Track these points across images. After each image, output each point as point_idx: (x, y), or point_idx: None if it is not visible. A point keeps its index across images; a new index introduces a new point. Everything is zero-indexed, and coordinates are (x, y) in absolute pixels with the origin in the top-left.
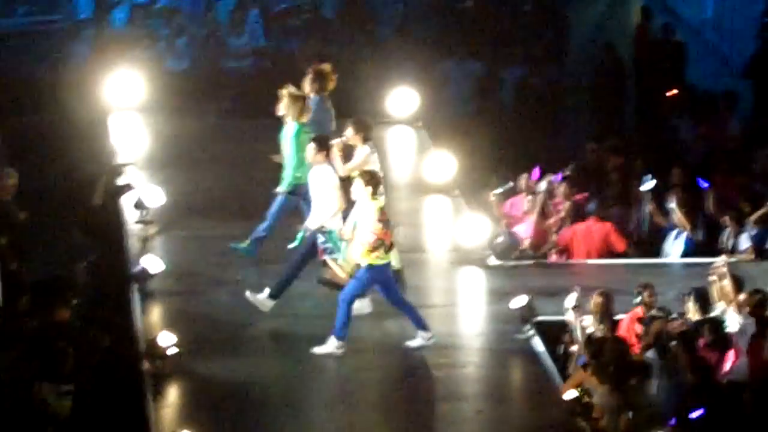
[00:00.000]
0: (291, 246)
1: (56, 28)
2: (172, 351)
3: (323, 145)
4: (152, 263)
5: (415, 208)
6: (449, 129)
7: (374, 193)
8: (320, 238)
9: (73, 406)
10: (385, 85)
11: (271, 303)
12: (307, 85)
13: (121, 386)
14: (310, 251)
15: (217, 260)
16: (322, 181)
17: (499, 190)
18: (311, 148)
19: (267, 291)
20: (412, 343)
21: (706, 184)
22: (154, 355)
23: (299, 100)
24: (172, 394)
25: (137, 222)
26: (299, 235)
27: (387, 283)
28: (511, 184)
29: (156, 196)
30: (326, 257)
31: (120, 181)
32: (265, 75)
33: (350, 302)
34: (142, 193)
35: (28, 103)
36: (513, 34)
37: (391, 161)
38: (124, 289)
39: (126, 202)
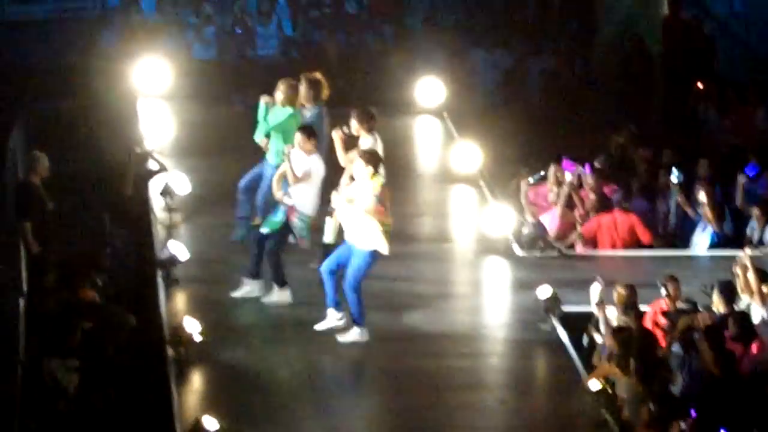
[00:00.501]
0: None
1: (85, 15)
2: (196, 338)
3: (312, 134)
4: (177, 250)
5: (440, 198)
6: (475, 119)
7: (375, 173)
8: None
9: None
10: (412, 75)
11: (287, 291)
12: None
13: (145, 372)
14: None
15: (242, 248)
16: (313, 171)
17: (532, 180)
18: (299, 136)
19: (274, 286)
20: (319, 326)
21: (753, 172)
22: (178, 342)
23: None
24: (196, 380)
25: (163, 209)
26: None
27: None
28: (542, 173)
29: (182, 184)
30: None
31: (149, 166)
32: (293, 64)
33: (357, 288)
34: (168, 181)
35: (58, 89)
36: (541, 25)
37: (417, 151)
38: (149, 275)
39: (153, 188)
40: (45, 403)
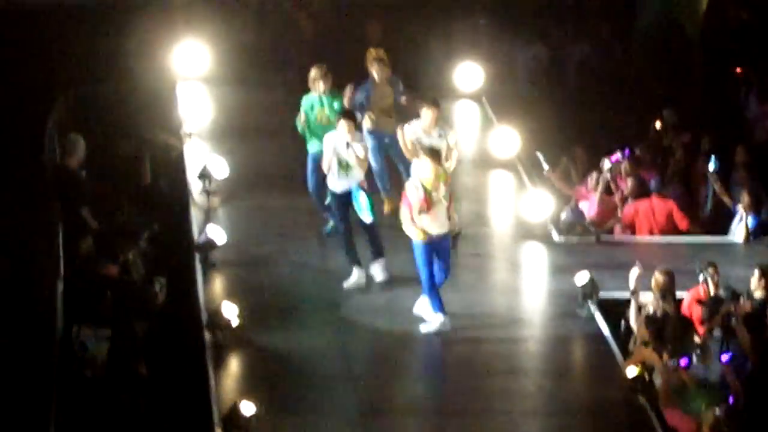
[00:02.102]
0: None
1: None
2: (234, 322)
3: (355, 118)
4: (216, 234)
5: (479, 182)
6: (514, 104)
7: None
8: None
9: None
10: (451, 59)
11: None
12: (377, 71)
13: (183, 356)
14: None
15: (280, 232)
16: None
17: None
18: (347, 123)
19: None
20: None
21: None
22: (216, 326)
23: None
24: (233, 365)
25: (201, 192)
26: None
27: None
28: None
29: (220, 167)
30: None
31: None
32: (333, 48)
33: (431, 278)
34: (207, 164)
35: (95, 74)
36: (579, 10)
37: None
38: (187, 258)
39: (191, 172)
40: (75, 370)
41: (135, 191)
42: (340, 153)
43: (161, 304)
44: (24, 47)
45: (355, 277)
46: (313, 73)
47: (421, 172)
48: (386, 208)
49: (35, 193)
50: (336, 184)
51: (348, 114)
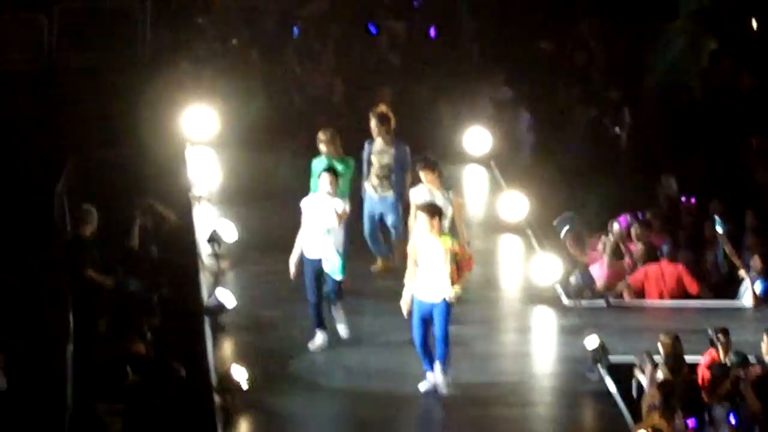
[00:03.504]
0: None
1: (133, 63)
2: (243, 385)
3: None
4: (225, 297)
5: (488, 246)
6: (522, 168)
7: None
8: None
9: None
10: (460, 124)
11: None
12: (375, 130)
13: (193, 420)
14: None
15: (289, 296)
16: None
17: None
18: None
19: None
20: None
21: None
22: (226, 390)
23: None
24: (243, 428)
25: (210, 256)
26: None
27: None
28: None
29: (229, 231)
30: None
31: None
32: (341, 114)
33: (447, 337)
34: (216, 228)
35: (105, 137)
36: (588, 74)
37: (465, 200)
38: (197, 322)
39: (201, 236)
40: None
41: (124, 254)
42: (319, 212)
43: (182, 377)
44: (34, 110)
45: (320, 339)
46: (321, 136)
47: (416, 229)
48: (378, 266)
49: (44, 258)
50: (311, 250)
51: (330, 169)
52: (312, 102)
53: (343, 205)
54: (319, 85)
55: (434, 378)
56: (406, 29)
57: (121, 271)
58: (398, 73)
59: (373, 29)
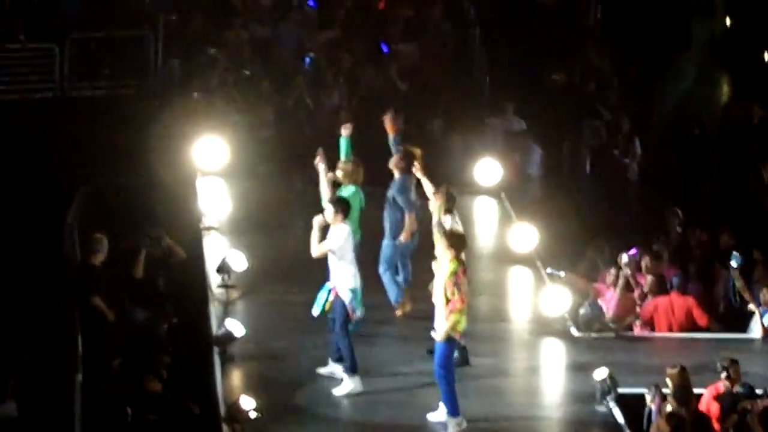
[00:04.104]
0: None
1: (144, 92)
2: (252, 415)
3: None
4: (234, 327)
5: (498, 277)
6: (532, 200)
7: (455, 258)
8: (348, 297)
9: None
10: (470, 155)
11: (356, 380)
12: (394, 165)
13: None
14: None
15: (298, 326)
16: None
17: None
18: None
19: (342, 372)
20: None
21: None
22: (234, 419)
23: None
24: None
25: (219, 286)
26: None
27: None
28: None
29: (239, 261)
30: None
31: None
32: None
33: (448, 377)
34: (226, 257)
35: (116, 166)
36: (598, 108)
37: (475, 231)
38: (206, 352)
39: (210, 265)
40: None
41: (130, 284)
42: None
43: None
44: (46, 139)
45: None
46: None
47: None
48: (399, 312)
49: (54, 286)
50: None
51: (334, 200)
52: (322, 132)
53: (338, 241)
54: (329, 116)
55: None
56: (418, 53)
57: (127, 301)
58: (408, 103)
59: (384, 48)
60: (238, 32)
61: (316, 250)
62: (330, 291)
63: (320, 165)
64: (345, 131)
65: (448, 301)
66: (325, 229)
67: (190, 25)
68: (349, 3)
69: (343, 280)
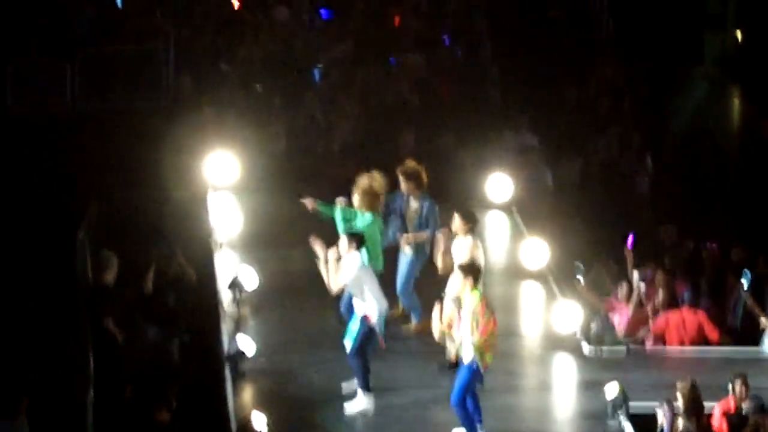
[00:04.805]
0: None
1: (155, 107)
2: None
3: (354, 240)
4: (245, 344)
5: (509, 293)
6: (544, 215)
7: (474, 286)
8: (379, 326)
9: None
10: (482, 170)
11: (369, 397)
12: (405, 187)
13: None
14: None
15: (310, 341)
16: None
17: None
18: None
19: (358, 390)
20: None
21: None
22: None
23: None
24: None
25: (231, 302)
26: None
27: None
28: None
29: (250, 277)
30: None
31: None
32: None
33: (464, 403)
34: (237, 274)
35: (128, 182)
36: (611, 121)
37: (486, 246)
38: (217, 368)
39: (222, 281)
40: None
41: (141, 301)
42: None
43: None
44: (57, 155)
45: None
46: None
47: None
48: (413, 327)
49: (66, 304)
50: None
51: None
52: (334, 148)
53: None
54: (341, 131)
55: None
56: (425, 64)
57: (139, 319)
58: (420, 117)
59: (392, 61)
60: (250, 48)
61: (333, 284)
62: (362, 319)
63: (319, 250)
64: (339, 204)
65: (473, 331)
66: (340, 261)
67: (202, 41)
68: (361, 17)
69: (370, 308)
